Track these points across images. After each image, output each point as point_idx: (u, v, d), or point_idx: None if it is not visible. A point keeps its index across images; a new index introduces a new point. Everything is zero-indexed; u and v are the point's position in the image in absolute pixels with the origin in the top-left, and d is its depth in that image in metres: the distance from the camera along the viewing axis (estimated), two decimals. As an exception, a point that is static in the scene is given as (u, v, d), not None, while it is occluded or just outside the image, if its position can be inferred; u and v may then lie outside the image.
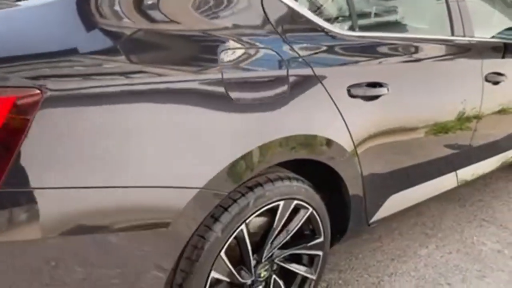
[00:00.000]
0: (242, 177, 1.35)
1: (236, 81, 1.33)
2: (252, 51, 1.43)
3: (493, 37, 2.86)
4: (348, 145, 1.68)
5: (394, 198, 2.10)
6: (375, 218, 2.02)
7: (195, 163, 1.24)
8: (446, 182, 2.42)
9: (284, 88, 1.45)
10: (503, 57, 2.69)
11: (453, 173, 2.46)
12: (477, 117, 2.36)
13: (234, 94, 1.32)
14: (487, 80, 2.36)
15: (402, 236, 2.58)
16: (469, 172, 2.56)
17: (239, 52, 1.39)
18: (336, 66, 1.66)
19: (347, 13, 1.83)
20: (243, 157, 1.33)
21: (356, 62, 1.74)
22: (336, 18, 1.83)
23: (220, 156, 1.28)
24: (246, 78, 1.37)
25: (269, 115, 1.40)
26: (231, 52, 1.36)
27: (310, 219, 1.70)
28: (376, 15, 2.15)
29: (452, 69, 2.17)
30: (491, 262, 2.37)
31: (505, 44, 2.77)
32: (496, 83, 2.43)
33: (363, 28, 1.95)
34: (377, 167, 1.88)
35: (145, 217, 1.19)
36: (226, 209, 1.40)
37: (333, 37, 1.69)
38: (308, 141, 1.53)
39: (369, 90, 1.73)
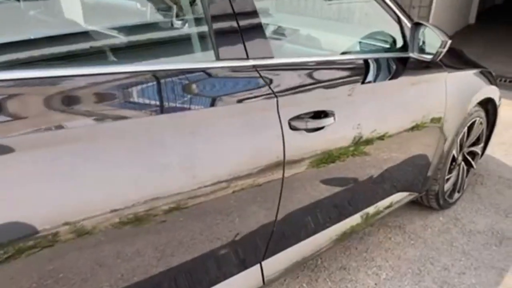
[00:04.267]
0: None
1: None
2: None
3: (344, 52, 1.88)
4: None
5: None
6: None
7: None
8: (237, 285, 1.45)
9: None
10: (363, 81, 1.72)
11: (254, 268, 1.49)
12: (280, 189, 1.39)
13: None
14: (293, 128, 1.37)
15: None
16: (284, 259, 1.59)
17: None
18: None
19: None
20: None
21: None
22: None
23: None
24: None
25: None
26: None
27: None
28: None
29: (198, 123, 1.18)
30: None
31: (366, 60, 1.79)
32: (314, 130, 1.44)
33: None
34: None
35: None
36: None
37: None
38: None
39: None
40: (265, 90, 1.32)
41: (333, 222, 1.75)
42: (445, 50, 1.79)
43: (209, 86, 1.22)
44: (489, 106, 2.69)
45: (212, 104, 1.20)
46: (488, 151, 3.38)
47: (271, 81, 1.34)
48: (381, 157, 1.83)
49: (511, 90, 5.01)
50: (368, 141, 1.71)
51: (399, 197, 2.13)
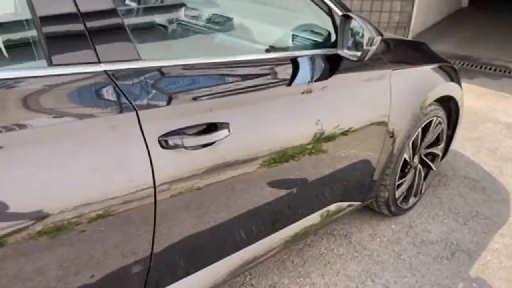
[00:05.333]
0: None
1: None
2: None
3: (269, 49, 1.63)
4: None
5: None
6: None
7: None
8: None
9: None
10: (290, 83, 1.47)
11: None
12: (152, 220, 1.16)
13: None
14: (166, 146, 1.13)
15: None
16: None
17: None
18: None
19: None
20: None
21: None
22: None
23: None
24: None
25: None
26: None
27: None
28: None
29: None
30: None
31: (295, 59, 1.54)
32: (200, 146, 1.20)
33: None
34: None
35: None
36: None
37: None
38: None
39: None
40: (121, 101, 1.07)
41: (237, 248, 1.51)
42: (373, 48, 1.53)
43: (32, 98, 0.97)
44: (450, 104, 2.43)
45: (28, 122, 0.95)
46: (458, 147, 3.14)
47: (131, 90, 1.09)
48: (302, 169, 1.59)
49: (496, 79, 4.71)
50: (280, 152, 1.47)
51: (334, 208, 1.89)
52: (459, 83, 2.40)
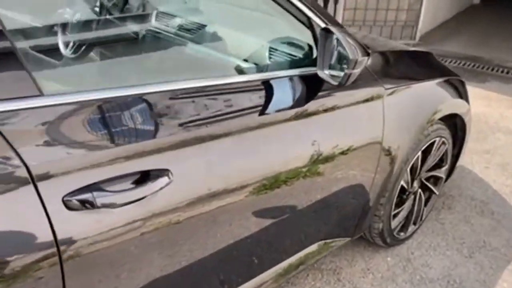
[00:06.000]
0: None
1: None
2: None
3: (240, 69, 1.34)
4: None
5: None
6: None
7: None
8: None
9: None
10: (268, 110, 1.19)
11: None
12: None
13: None
14: (74, 208, 0.86)
15: None
16: None
17: None
18: None
19: None
20: None
21: None
22: None
23: None
24: None
25: None
26: None
27: None
28: None
29: None
30: None
31: (267, 82, 1.26)
32: (123, 204, 0.92)
33: None
34: None
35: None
36: None
37: None
38: None
39: None
40: (7, 155, 0.80)
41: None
42: (356, 71, 1.23)
43: None
44: (456, 120, 2.12)
45: None
46: (466, 162, 2.83)
47: (23, 138, 0.82)
48: (268, 214, 1.31)
49: (509, 83, 4.35)
50: (244, 194, 1.19)
51: (306, 254, 1.60)
52: (466, 98, 2.09)
